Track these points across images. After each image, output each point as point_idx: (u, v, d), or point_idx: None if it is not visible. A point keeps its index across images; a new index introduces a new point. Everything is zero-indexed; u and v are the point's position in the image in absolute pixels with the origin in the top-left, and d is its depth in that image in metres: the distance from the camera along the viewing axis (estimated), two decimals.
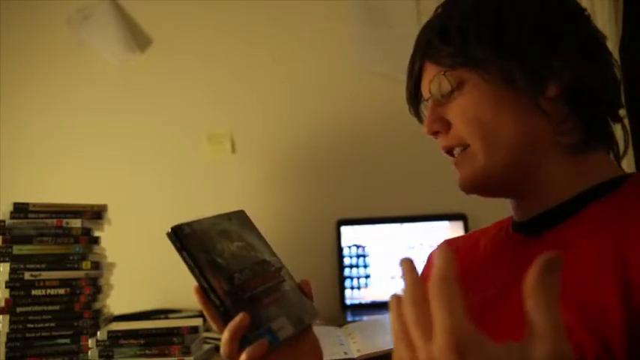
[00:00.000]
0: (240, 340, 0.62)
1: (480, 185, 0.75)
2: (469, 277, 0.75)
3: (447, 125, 0.74)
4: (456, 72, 0.72)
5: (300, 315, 0.69)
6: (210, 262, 0.65)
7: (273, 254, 0.74)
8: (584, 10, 0.75)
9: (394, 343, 0.48)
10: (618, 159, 0.76)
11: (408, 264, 0.47)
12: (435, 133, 0.76)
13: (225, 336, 0.62)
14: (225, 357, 0.63)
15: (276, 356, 0.66)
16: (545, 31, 0.70)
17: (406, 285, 0.46)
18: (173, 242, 0.65)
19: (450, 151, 0.76)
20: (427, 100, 0.77)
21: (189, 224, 0.66)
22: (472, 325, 0.42)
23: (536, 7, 0.72)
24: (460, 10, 0.74)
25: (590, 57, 0.71)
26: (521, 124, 0.70)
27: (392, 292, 0.48)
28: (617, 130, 0.78)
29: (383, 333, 1.25)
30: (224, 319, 0.63)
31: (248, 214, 0.76)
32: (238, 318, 0.62)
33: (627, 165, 1.57)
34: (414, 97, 0.81)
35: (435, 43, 0.74)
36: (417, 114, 0.83)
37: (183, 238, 0.65)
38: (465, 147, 0.73)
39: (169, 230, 0.65)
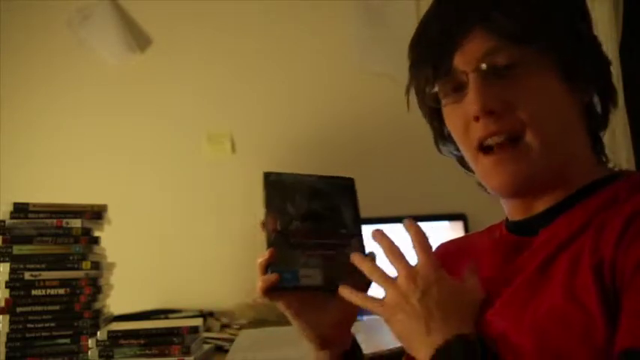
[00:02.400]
0: (265, 270, 0.69)
1: (523, 186, 0.68)
2: (461, 278, 0.74)
3: (506, 105, 0.66)
4: (524, 48, 0.65)
5: (338, 279, 0.71)
6: (278, 206, 0.73)
7: (357, 223, 0.78)
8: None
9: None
10: (606, 158, 0.76)
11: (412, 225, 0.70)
12: (489, 114, 0.66)
13: (257, 262, 0.70)
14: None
15: (300, 298, 0.72)
16: (594, 40, 0.72)
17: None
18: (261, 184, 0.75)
19: (484, 139, 0.67)
20: (467, 73, 0.67)
21: (279, 174, 0.77)
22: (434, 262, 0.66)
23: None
24: None
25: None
26: (573, 123, 0.69)
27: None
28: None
29: (384, 333, 1.25)
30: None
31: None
32: (267, 252, 0.70)
33: (627, 164, 1.57)
34: (444, 67, 0.69)
35: (507, 10, 0.66)
36: (424, 83, 0.72)
37: (267, 182, 0.76)
38: (516, 139, 0.66)
39: (264, 172, 0.76)
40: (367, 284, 0.70)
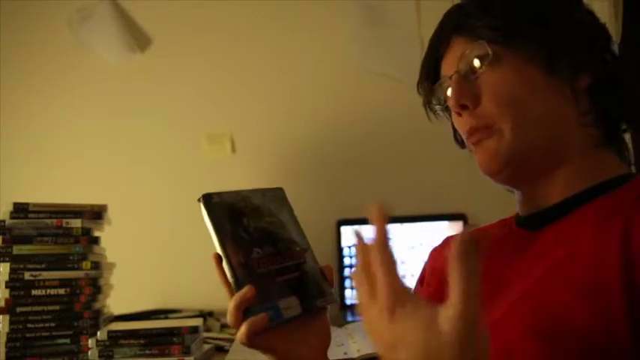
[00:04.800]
0: (244, 312, 0.63)
1: (502, 166, 0.72)
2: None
3: (476, 101, 0.72)
4: (494, 47, 0.71)
5: (313, 298, 0.69)
6: (232, 233, 0.67)
7: (302, 235, 0.74)
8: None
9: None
10: (630, 164, 0.77)
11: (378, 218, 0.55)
12: (463, 108, 0.73)
13: (230, 305, 0.64)
14: (230, 325, 0.65)
15: (282, 332, 0.67)
16: (583, 24, 0.73)
17: (359, 253, 0.55)
18: (202, 209, 0.67)
19: (472, 133, 0.73)
20: (450, 77, 0.75)
21: (220, 194, 0.69)
22: (405, 288, 0.51)
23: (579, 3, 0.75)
24: None
25: (614, 57, 0.74)
26: (551, 108, 0.71)
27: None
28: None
29: None
30: (234, 290, 0.65)
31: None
32: (244, 290, 0.63)
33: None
34: (431, 75, 0.78)
35: (475, 15, 0.73)
36: (427, 94, 0.80)
37: (211, 205, 0.67)
38: (491, 126, 0.71)
39: (200, 197, 0.67)
40: (341, 298, 0.71)
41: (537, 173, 0.73)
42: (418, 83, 0.82)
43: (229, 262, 0.65)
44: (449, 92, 0.74)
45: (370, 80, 1.84)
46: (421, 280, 0.89)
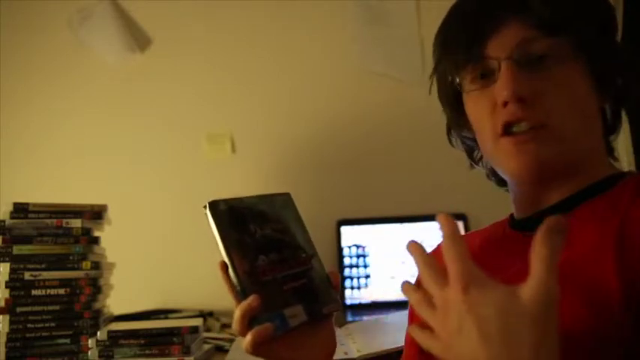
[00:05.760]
0: (250, 321, 0.63)
1: (545, 173, 0.68)
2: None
3: (537, 94, 0.67)
4: (558, 41, 0.67)
5: (319, 305, 0.69)
6: (237, 241, 0.66)
7: (309, 241, 0.73)
8: None
9: (417, 312, 0.56)
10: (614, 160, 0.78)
11: (415, 247, 0.57)
12: (520, 100, 0.66)
13: (236, 314, 0.63)
14: (236, 333, 0.65)
15: (287, 340, 0.66)
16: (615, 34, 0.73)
17: (417, 261, 0.56)
18: (208, 216, 0.66)
19: (510, 125, 0.68)
20: (501, 61, 0.67)
21: (227, 201, 0.68)
22: (478, 269, 0.50)
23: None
24: None
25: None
26: (596, 117, 0.71)
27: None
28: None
29: (383, 333, 1.25)
30: (240, 298, 0.64)
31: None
32: (249, 299, 0.62)
33: (628, 165, 1.57)
34: (471, 50, 0.69)
35: (545, 4, 0.67)
36: (453, 72, 0.72)
37: (217, 213, 0.66)
38: (541, 126, 0.67)
39: (206, 204, 0.66)
40: (341, 298, 0.70)
41: (558, 177, 0.70)
42: (444, 47, 0.74)
43: (235, 271, 0.65)
44: (502, 79, 0.67)
45: (370, 80, 1.84)
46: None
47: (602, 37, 0.70)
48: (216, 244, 0.66)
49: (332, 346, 0.73)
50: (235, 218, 0.68)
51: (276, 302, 0.65)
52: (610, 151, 0.76)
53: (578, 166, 0.70)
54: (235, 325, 0.64)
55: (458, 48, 0.71)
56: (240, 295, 0.64)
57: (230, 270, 0.65)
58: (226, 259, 0.65)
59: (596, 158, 0.72)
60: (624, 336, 0.56)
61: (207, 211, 0.67)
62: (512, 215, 0.79)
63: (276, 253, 0.68)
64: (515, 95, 0.66)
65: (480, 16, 0.69)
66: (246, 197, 0.71)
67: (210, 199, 0.67)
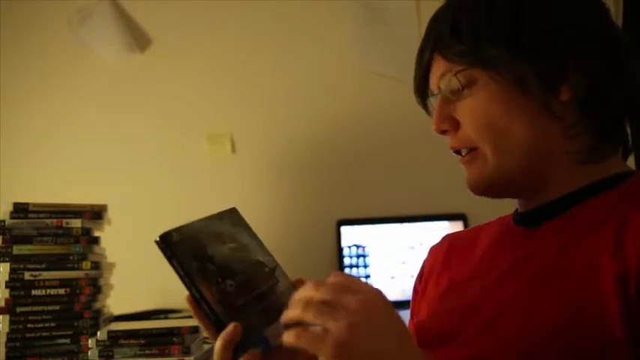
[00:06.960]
0: (234, 349, 0.60)
1: (488, 187, 0.74)
2: (469, 265, 0.78)
3: (456, 125, 0.73)
4: (467, 71, 0.70)
5: None
6: (201, 270, 0.62)
7: (267, 253, 0.71)
8: (603, 4, 0.73)
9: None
10: (625, 157, 0.76)
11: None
12: (443, 132, 0.74)
13: (217, 345, 0.60)
14: None
15: (274, 357, 0.64)
16: (560, 32, 0.69)
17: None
18: (162, 251, 0.62)
19: (457, 151, 0.75)
20: (436, 95, 0.75)
21: (178, 230, 0.64)
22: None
23: (552, 6, 0.70)
24: (473, 5, 0.71)
25: (605, 59, 0.69)
26: (532, 128, 0.69)
27: None
28: None
29: None
30: (217, 328, 0.61)
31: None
32: (230, 328, 0.59)
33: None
34: (422, 89, 0.78)
35: (446, 39, 0.71)
36: (425, 106, 0.80)
37: (172, 245, 0.62)
38: (473, 149, 0.72)
39: (158, 238, 0.62)
40: None
41: (525, 189, 0.74)
42: (415, 93, 0.81)
43: (206, 302, 0.61)
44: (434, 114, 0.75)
45: (370, 80, 1.84)
46: (420, 277, 0.89)
47: (515, 48, 0.68)
48: (178, 278, 0.63)
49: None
50: (192, 247, 0.63)
51: (254, 325, 0.61)
52: (613, 148, 0.73)
53: (541, 172, 0.71)
54: (218, 356, 0.60)
55: (415, 88, 0.79)
56: (216, 325, 0.61)
57: (201, 302, 0.61)
58: (194, 292, 0.62)
59: (565, 158, 0.70)
60: (617, 340, 0.56)
61: (162, 245, 0.62)
62: (517, 210, 0.80)
63: (241, 274, 0.65)
64: (439, 129, 0.74)
65: (420, 56, 0.76)
66: (195, 221, 0.67)
67: (160, 233, 0.63)
